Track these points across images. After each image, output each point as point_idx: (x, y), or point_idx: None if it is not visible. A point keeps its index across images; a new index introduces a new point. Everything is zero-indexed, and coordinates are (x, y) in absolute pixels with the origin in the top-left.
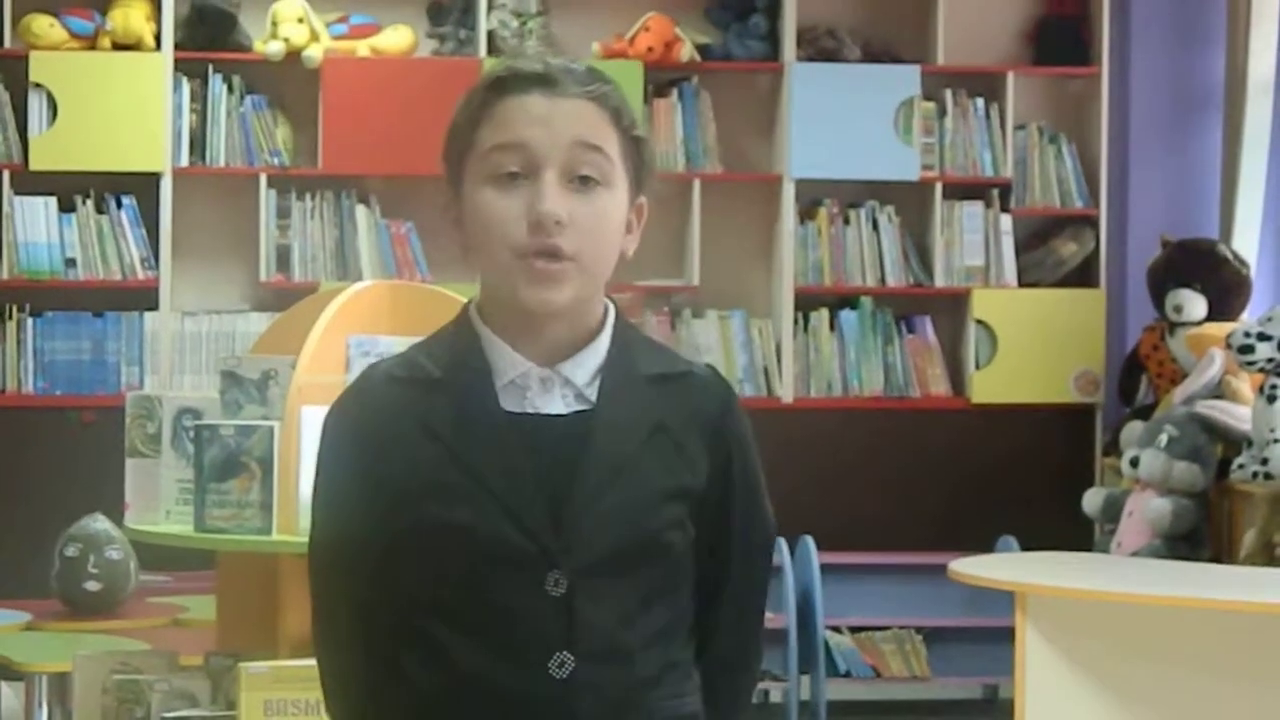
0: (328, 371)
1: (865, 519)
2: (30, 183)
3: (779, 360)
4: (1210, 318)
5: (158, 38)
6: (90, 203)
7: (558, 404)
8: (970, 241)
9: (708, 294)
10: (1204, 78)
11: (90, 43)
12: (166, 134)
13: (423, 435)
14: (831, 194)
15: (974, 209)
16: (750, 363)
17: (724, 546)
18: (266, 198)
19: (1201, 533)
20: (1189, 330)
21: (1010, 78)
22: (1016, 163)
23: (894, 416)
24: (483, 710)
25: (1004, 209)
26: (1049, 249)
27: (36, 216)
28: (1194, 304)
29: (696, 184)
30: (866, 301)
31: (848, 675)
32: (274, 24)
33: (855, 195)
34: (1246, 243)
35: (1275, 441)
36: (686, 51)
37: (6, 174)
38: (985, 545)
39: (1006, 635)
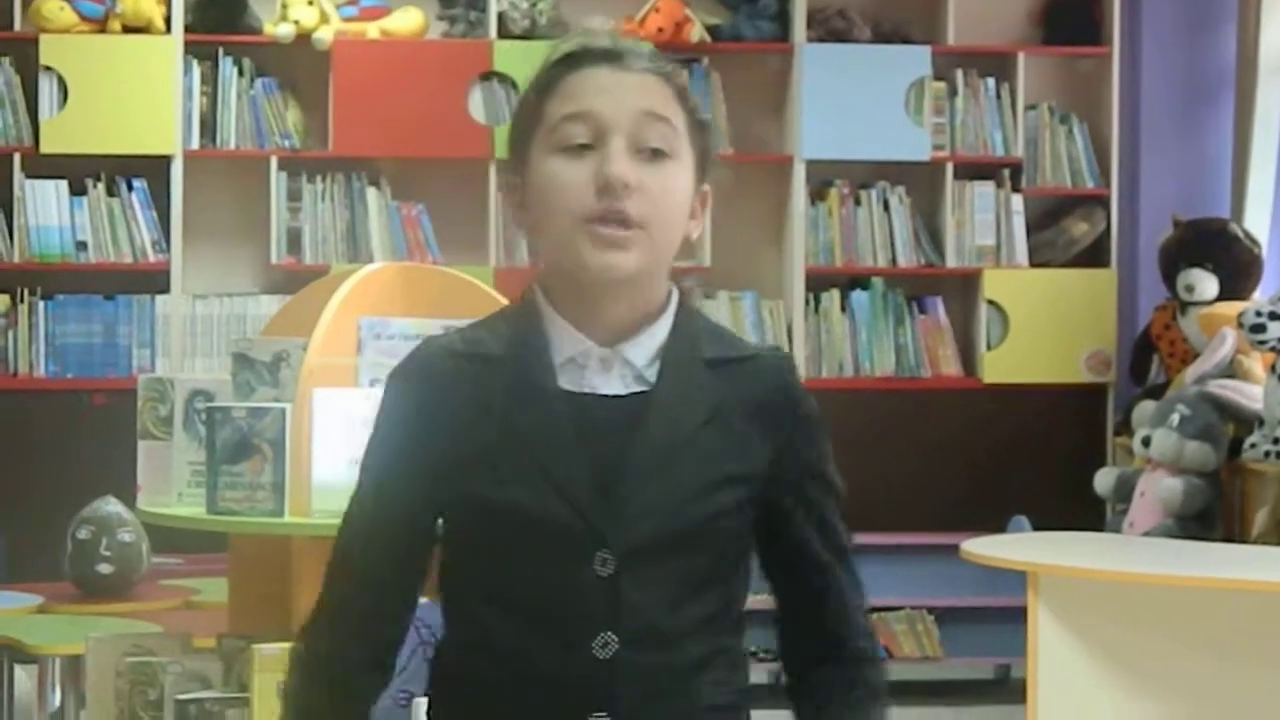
0: (339, 353)
1: (877, 500)
2: (41, 166)
3: (790, 341)
4: (1221, 297)
5: (168, 20)
6: (101, 186)
7: (616, 384)
8: (981, 221)
9: (719, 275)
10: (1215, 57)
11: (100, 25)
12: (177, 117)
13: (477, 409)
14: (842, 174)
15: (985, 189)
16: (761, 344)
17: (796, 529)
18: (277, 180)
19: (1213, 512)
20: (1200, 310)
21: (1021, 58)
22: (1027, 143)
23: (905, 397)
24: (523, 688)
25: (1015, 189)
26: (1060, 229)
27: (48, 200)
28: (1205, 283)
29: None
30: (878, 282)
31: None
32: (284, 6)
33: (866, 176)
34: (1258, 222)
35: None
36: (697, 32)
37: (17, 157)
38: (997, 525)
39: (1019, 615)
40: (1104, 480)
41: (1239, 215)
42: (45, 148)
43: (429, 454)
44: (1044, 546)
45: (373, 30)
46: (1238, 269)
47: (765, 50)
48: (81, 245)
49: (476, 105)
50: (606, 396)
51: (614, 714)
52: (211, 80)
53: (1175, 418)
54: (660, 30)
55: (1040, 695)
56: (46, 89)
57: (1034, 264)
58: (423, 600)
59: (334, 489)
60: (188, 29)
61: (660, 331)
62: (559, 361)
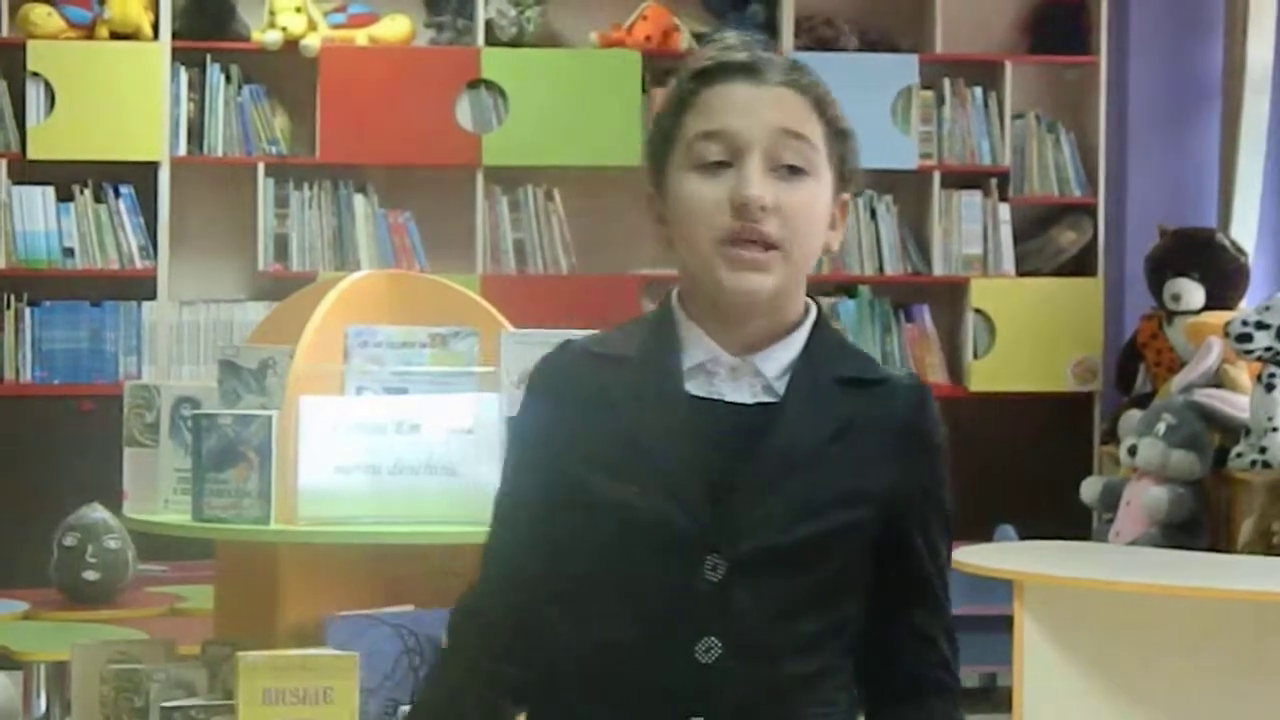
0: (326, 361)
1: None
2: (28, 172)
3: None
4: (1208, 306)
5: (155, 27)
6: (88, 192)
7: (745, 393)
8: (968, 230)
9: None
10: (1203, 67)
11: (88, 32)
12: (164, 123)
13: (603, 408)
14: None
15: (972, 198)
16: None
17: (908, 554)
18: (264, 187)
19: (1199, 521)
20: (1187, 319)
21: (1008, 66)
22: (1015, 151)
23: None
24: (624, 687)
25: (1002, 198)
26: (1047, 238)
27: (34, 206)
28: (1192, 293)
29: None
30: (865, 290)
31: None
32: (272, 13)
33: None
34: (1244, 231)
35: (1273, 430)
36: (685, 40)
37: (4, 163)
38: (983, 534)
39: (1004, 624)
40: (1090, 489)
41: (1225, 224)
42: (32, 154)
43: (554, 463)
44: (1030, 555)
45: (360, 37)
46: (1224, 278)
47: None
48: (69, 251)
49: (464, 113)
50: (733, 404)
51: (711, 719)
52: (199, 87)
53: (1161, 427)
54: (648, 38)
55: (1026, 704)
56: (34, 95)
57: (1021, 273)
58: (408, 608)
59: (320, 496)
60: (175, 35)
61: (794, 345)
62: (688, 366)
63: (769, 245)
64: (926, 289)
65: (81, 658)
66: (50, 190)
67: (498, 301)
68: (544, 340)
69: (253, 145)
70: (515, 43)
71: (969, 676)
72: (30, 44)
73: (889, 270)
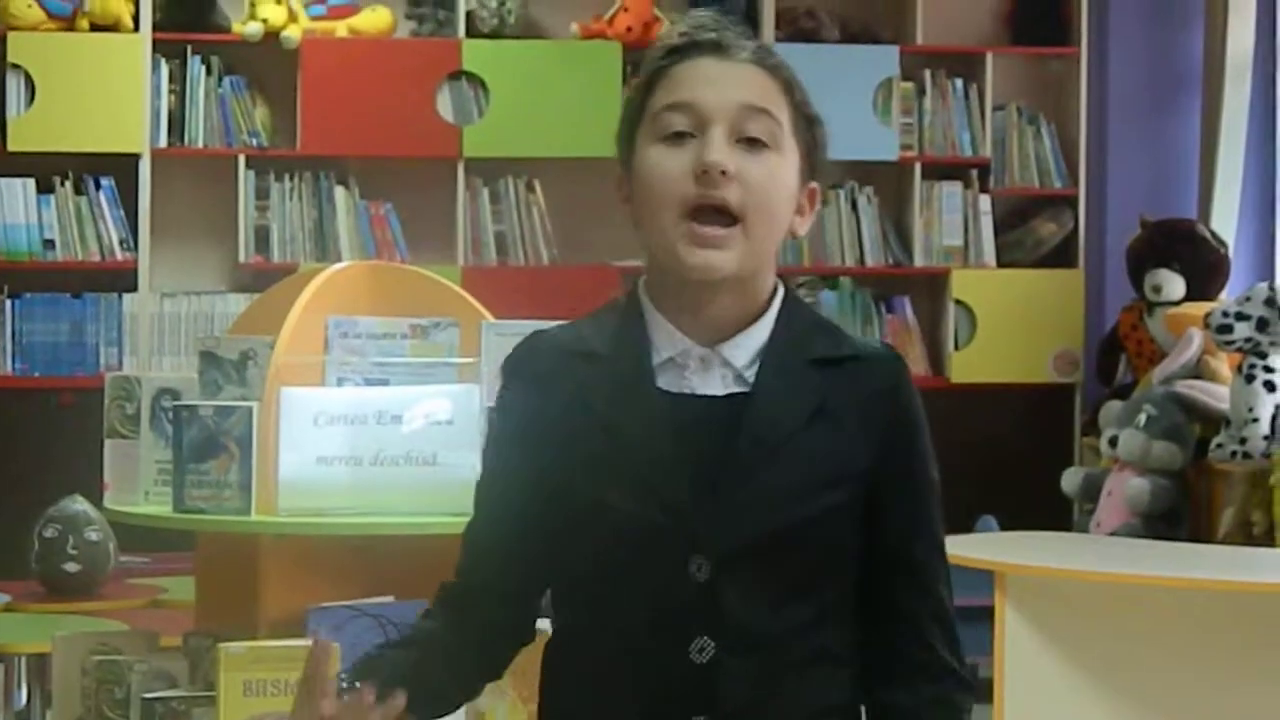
0: (306, 352)
1: None
2: (8, 164)
3: None
4: (1189, 297)
5: (136, 18)
6: (69, 184)
7: (715, 385)
8: (949, 222)
9: None
10: (1183, 58)
11: (68, 23)
12: (145, 115)
13: (578, 409)
14: None
15: (953, 189)
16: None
17: (893, 531)
18: (245, 179)
19: (1180, 512)
20: (1168, 310)
21: (989, 58)
22: (995, 143)
23: None
24: (624, 689)
25: (983, 189)
26: (1028, 229)
27: (15, 198)
28: (1173, 284)
29: None
30: (846, 282)
31: None
32: (252, 5)
33: (834, 175)
34: (1225, 223)
35: (1253, 421)
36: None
37: None
38: (964, 525)
39: (985, 615)
40: (1071, 480)
41: (1206, 216)
42: (13, 145)
43: (533, 453)
44: (1011, 546)
45: (341, 29)
46: (1205, 270)
47: None
48: (49, 243)
49: (445, 104)
50: (705, 398)
51: (714, 717)
52: (179, 78)
53: (1142, 418)
54: (629, 29)
55: (1007, 694)
56: (14, 87)
57: (1002, 264)
58: (388, 599)
59: (301, 487)
60: (156, 27)
61: (760, 332)
62: (658, 361)
63: (730, 216)
64: (907, 280)
65: (62, 649)
66: (30, 182)
67: (478, 293)
68: (525, 331)
69: (233, 137)
70: (496, 34)
71: None
72: (10, 35)
73: (870, 261)
